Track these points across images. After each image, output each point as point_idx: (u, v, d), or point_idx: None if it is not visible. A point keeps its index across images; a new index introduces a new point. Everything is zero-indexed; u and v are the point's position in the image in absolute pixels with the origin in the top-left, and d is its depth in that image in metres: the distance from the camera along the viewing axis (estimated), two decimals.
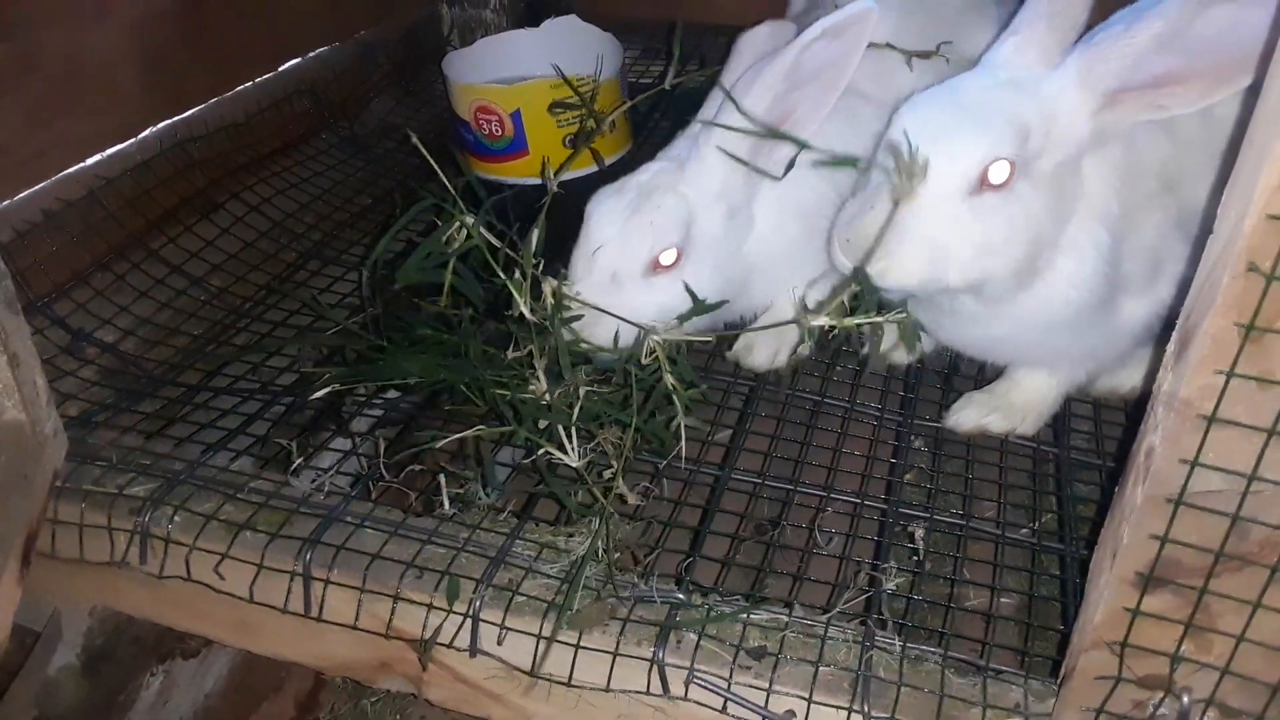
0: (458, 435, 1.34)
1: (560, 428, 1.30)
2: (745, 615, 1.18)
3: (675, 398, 1.32)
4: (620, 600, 1.20)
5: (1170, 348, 0.86)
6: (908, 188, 1.19)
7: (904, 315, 1.29)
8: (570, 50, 2.11)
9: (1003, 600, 1.25)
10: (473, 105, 2.10)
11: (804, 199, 1.48)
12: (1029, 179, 1.21)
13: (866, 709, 1.10)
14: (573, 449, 1.30)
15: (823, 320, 1.26)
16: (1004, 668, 1.14)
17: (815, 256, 1.43)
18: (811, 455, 1.43)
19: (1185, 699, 0.97)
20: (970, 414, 1.50)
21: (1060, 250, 1.26)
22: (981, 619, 1.23)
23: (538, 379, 1.35)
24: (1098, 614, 0.96)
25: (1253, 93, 0.96)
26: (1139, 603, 0.93)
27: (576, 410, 1.31)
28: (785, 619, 1.18)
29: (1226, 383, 0.80)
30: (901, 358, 1.61)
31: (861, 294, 1.25)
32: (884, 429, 1.50)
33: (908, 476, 1.42)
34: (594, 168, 1.71)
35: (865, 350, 1.62)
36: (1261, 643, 0.91)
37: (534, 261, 1.38)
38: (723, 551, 1.30)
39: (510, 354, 1.39)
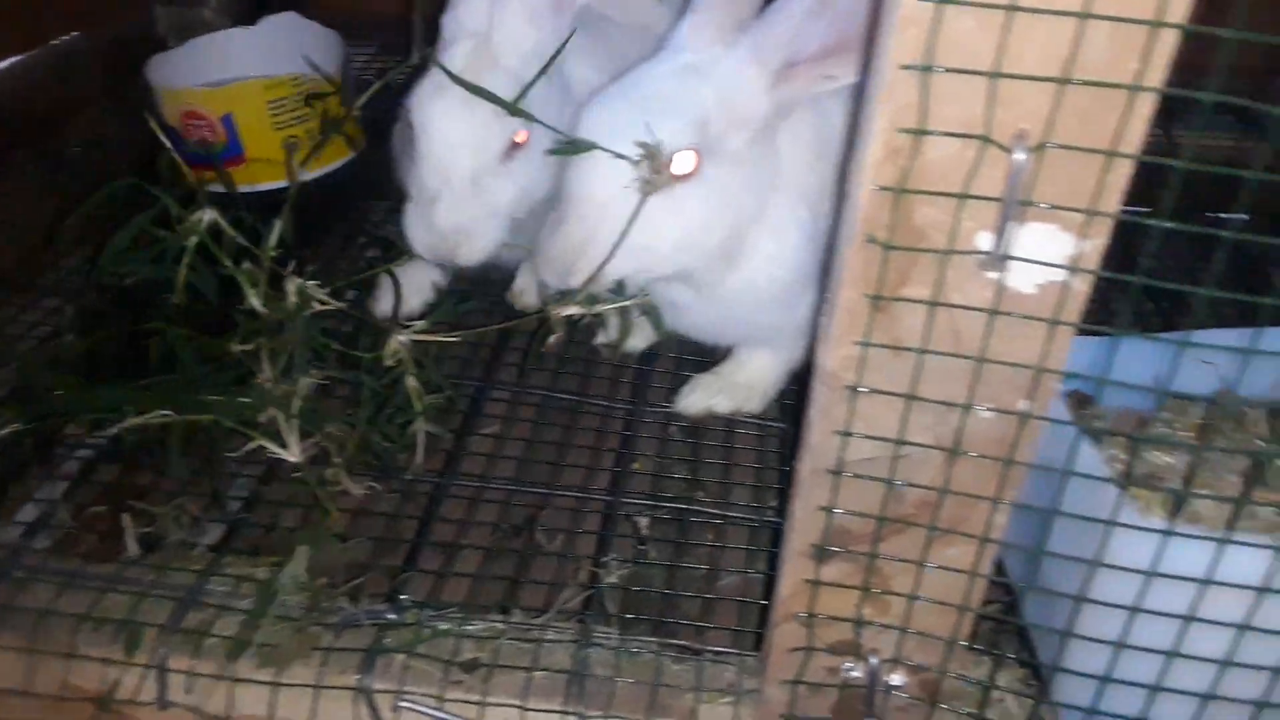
0: (136, 421, 1.22)
1: (282, 421, 1.22)
2: (458, 628, 1.14)
3: (414, 402, 1.26)
4: (325, 628, 1.13)
5: (821, 321, 0.87)
6: (656, 181, 1.17)
7: (647, 297, 1.27)
8: (288, 49, 2.00)
9: (723, 582, 1.26)
10: (180, 111, 1.96)
11: None
12: (718, 162, 1.22)
13: (582, 709, 1.08)
14: (295, 444, 1.23)
15: (572, 310, 1.23)
16: (721, 649, 1.15)
17: None
18: (538, 453, 1.40)
19: (873, 660, 1.00)
20: (697, 397, 1.51)
21: (762, 229, 1.28)
22: (702, 603, 1.23)
23: (263, 370, 1.25)
24: (784, 588, 0.97)
25: None
26: (817, 573, 0.95)
27: (297, 403, 1.23)
28: (501, 627, 1.15)
29: (864, 352, 0.81)
30: (635, 345, 1.61)
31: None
32: (613, 419, 1.48)
33: (635, 465, 1.41)
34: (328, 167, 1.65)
35: (598, 340, 1.61)
36: (932, 599, 0.95)
37: (272, 254, 1.28)
38: (442, 563, 1.25)
39: (237, 346, 1.27)
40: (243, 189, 1.92)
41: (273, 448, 1.23)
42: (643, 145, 1.15)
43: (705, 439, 1.47)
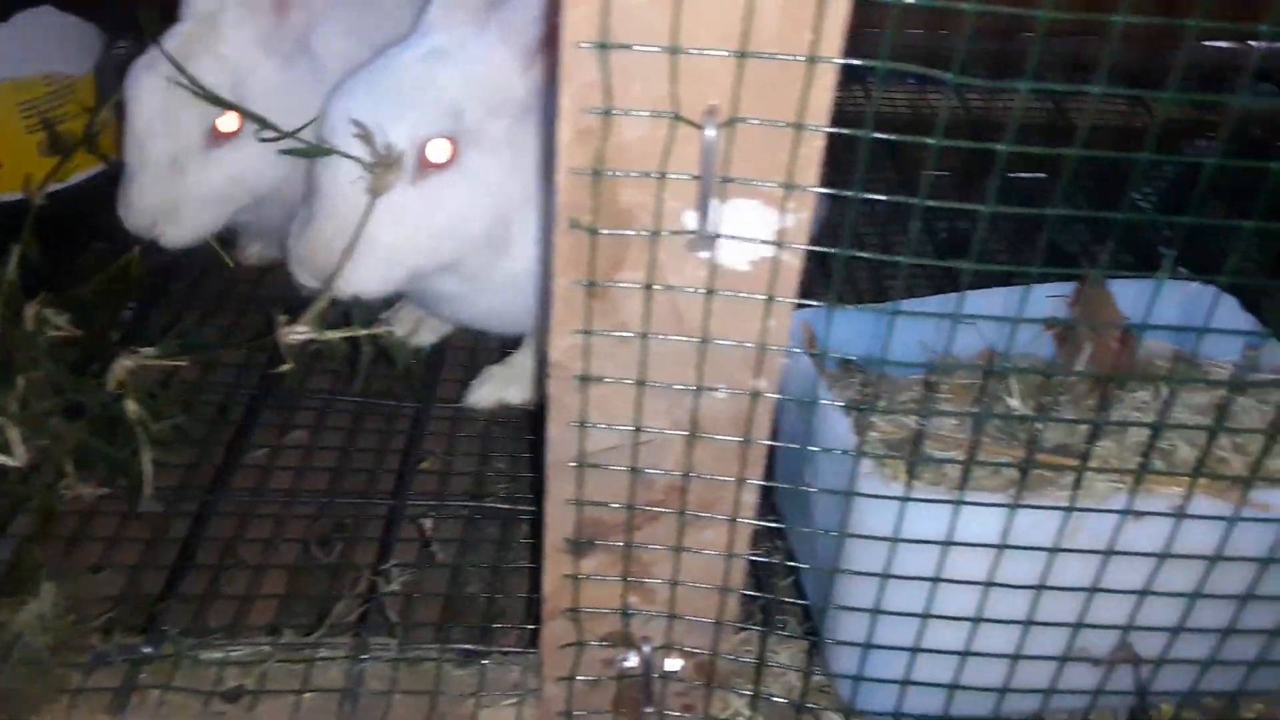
0: None
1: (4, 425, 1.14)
2: (222, 655, 1.07)
3: (138, 431, 1.18)
4: (74, 668, 1.05)
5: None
6: (385, 181, 1.12)
7: (388, 330, 1.22)
8: (41, 46, 1.86)
9: (512, 580, 1.23)
10: None
11: None
12: (478, 150, 1.18)
13: None
14: (18, 445, 1.14)
15: (302, 334, 1.16)
16: (506, 649, 1.12)
17: None
18: (319, 459, 1.34)
19: (646, 649, 0.98)
20: (488, 390, 1.47)
21: (529, 214, 1.25)
22: (489, 602, 1.20)
23: None
24: (547, 584, 0.95)
25: None
26: (577, 567, 0.93)
27: (14, 403, 1.15)
28: (268, 649, 1.09)
29: (587, 340, 0.79)
30: (422, 341, 1.56)
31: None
32: (400, 418, 1.43)
33: (423, 465, 1.37)
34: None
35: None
36: (693, 583, 0.93)
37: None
38: (207, 587, 1.18)
39: None
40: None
41: None
42: (367, 140, 1.10)
43: (493, 433, 1.43)
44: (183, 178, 1.29)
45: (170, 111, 1.27)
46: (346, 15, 1.42)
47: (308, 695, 1.04)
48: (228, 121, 1.29)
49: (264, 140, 1.22)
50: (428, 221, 1.16)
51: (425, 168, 1.14)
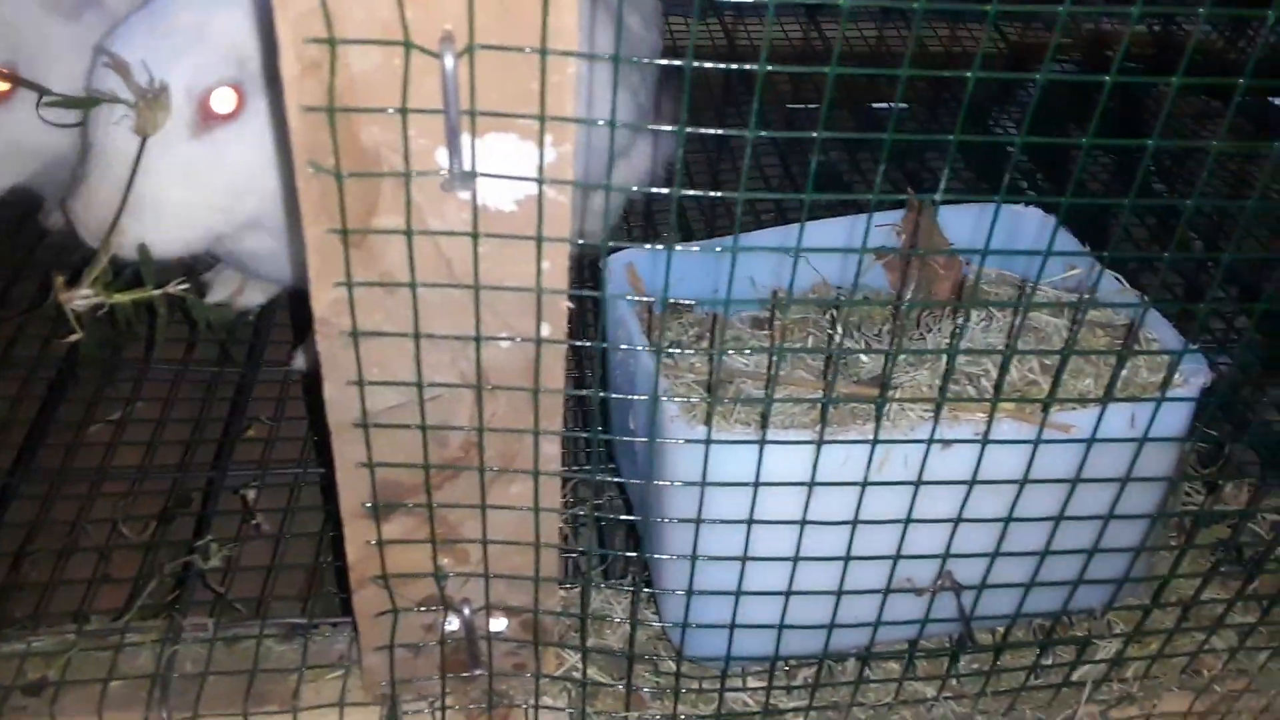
0: None
1: None
2: (23, 647, 1.00)
3: None
4: None
5: None
6: (152, 119, 1.03)
7: (186, 286, 1.13)
8: None
9: (337, 548, 1.17)
10: None
11: None
12: (267, 97, 1.10)
13: (166, 714, 0.98)
14: None
15: (87, 299, 1.07)
16: (334, 619, 1.07)
17: None
18: (129, 433, 1.26)
19: (466, 611, 0.94)
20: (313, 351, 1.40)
21: None
22: (309, 572, 1.15)
23: None
24: (351, 552, 0.90)
25: None
26: (379, 532, 0.88)
27: None
28: (73, 638, 1.02)
29: (350, 293, 0.73)
30: (248, 302, 1.48)
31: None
32: (223, 385, 1.36)
33: (248, 432, 1.30)
34: None
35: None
36: (505, 540, 0.89)
37: None
38: (4, 577, 1.11)
39: None
40: None
41: None
42: (127, 76, 1.01)
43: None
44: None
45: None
46: None
47: (115, 684, 0.98)
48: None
49: (49, 103, 1.12)
50: (218, 177, 1.07)
51: (209, 119, 1.06)
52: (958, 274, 1.11)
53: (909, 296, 1.12)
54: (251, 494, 1.20)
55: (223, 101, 1.06)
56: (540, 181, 0.69)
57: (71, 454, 1.23)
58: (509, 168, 0.69)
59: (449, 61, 0.63)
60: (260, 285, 1.46)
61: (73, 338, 1.04)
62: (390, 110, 0.65)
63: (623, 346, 0.94)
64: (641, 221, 1.72)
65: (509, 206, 0.71)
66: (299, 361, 1.39)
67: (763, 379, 0.99)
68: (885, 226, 1.16)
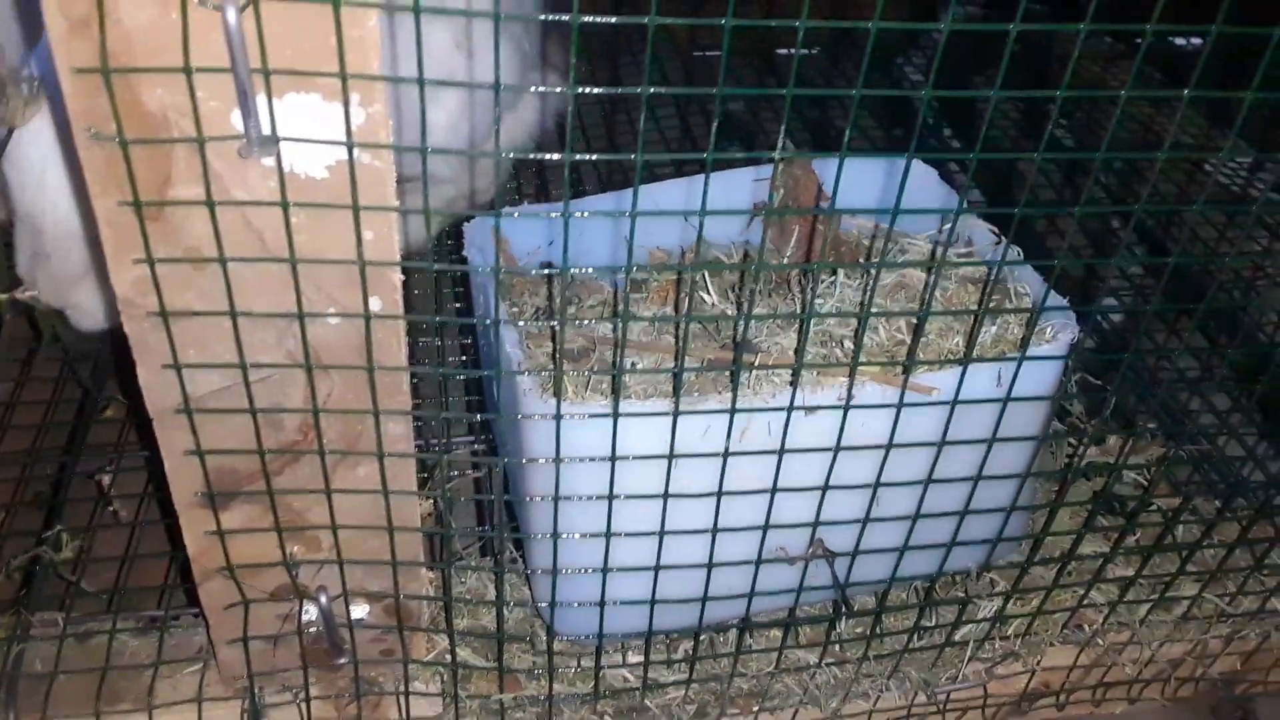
0: None
1: None
2: None
3: None
4: None
5: None
6: (21, 110, 0.94)
7: (33, 295, 1.04)
8: None
9: None
10: None
11: None
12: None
13: (13, 717, 0.92)
14: None
15: None
16: (194, 609, 1.02)
17: None
18: None
19: (323, 599, 0.90)
20: None
21: None
22: (168, 561, 1.09)
23: None
24: (190, 544, 0.85)
25: None
26: (219, 522, 0.83)
27: None
28: None
29: (153, 270, 0.68)
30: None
31: None
32: (80, 363, 1.28)
33: (106, 412, 1.23)
34: None
35: None
36: (358, 525, 0.85)
37: None
38: None
39: None
40: None
41: None
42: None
43: None
44: None
45: None
46: None
47: None
48: None
49: None
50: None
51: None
52: (836, 230, 1.07)
53: (788, 253, 1.09)
54: (106, 479, 1.14)
55: None
56: (350, 146, 0.63)
57: None
58: (315, 131, 0.63)
59: (231, 15, 0.57)
60: None
61: None
62: (173, 71, 0.59)
63: (463, 320, 0.89)
64: (535, 178, 1.67)
65: (320, 173, 0.66)
66: None
67: (633, 347, 0.95)
68: (764, 181, 1.12)
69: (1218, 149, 1.73)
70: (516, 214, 1.08)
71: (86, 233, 0.94)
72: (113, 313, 0.96)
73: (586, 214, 0.78)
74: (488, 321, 0.91)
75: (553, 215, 0.66)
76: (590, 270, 1.07)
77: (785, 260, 1.07)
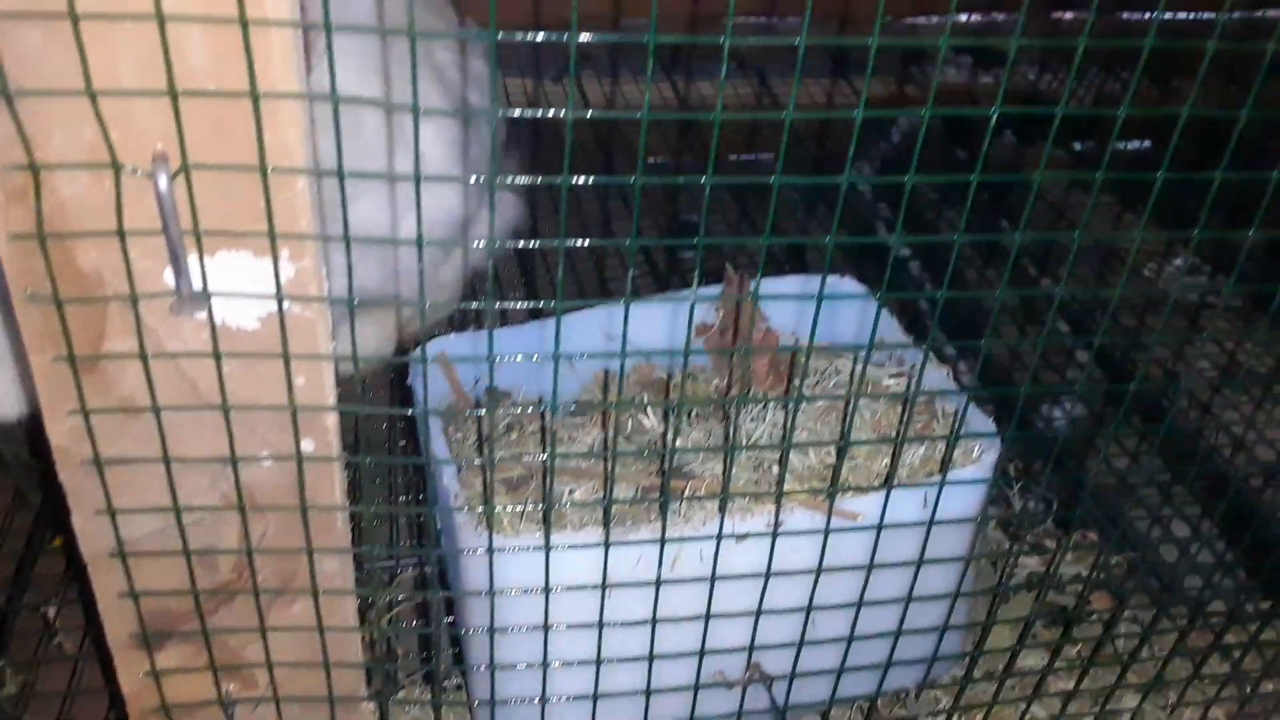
0: None
1: None
2: None
3: None
4: None
5: None
6: None
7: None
8: None
9: None
10: None
11: None
12: None
13: None
14: None
15: None
16: None
17: None
18: None
19: None
20: None
21: None
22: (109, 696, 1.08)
23: None
24: (124, 684, 0.84)
25: None
26: (154, 662, 0.83)
27: None
28: None
29: (87, 420, 0.69)
30: None
31: None
32: (31, 491, 1.28)
33: (53, 543, 1.22)
34: None
35: None
36: (294, 662, 0.85)
37: None
38: None
39: None
40: None
41: None
42: None
43: None
44: None
45: None
46: None
47: None
48: None
49: None
50: None
51: None
52: (774, 349, 1.11)
53: (731, 379, 1.11)
54: (52, 611, 1.13)
55: None
56: (279, 299, 0.66)
57: None
58: (246, 285, 0.66)
59: (163, 183, 0.60)
60: None
61: None
62: (106, 234, 0.61)
63: (396, 460, 0.91)
64: (498, 290, 1.69)
65: (252, 324, 0.68)
66: None
67: (570, 475, 0.97)
68: (708, 303, 1.15)
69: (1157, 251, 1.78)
70: (441, 350, 1.09)
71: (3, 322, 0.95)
72: (30, 400, 0.98)
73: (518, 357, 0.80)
74: (421, 461, 0.93)
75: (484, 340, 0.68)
76: (525, 406, 1.09)
77: (724, 382, 1.10)
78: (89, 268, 0.64)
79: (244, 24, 0.55)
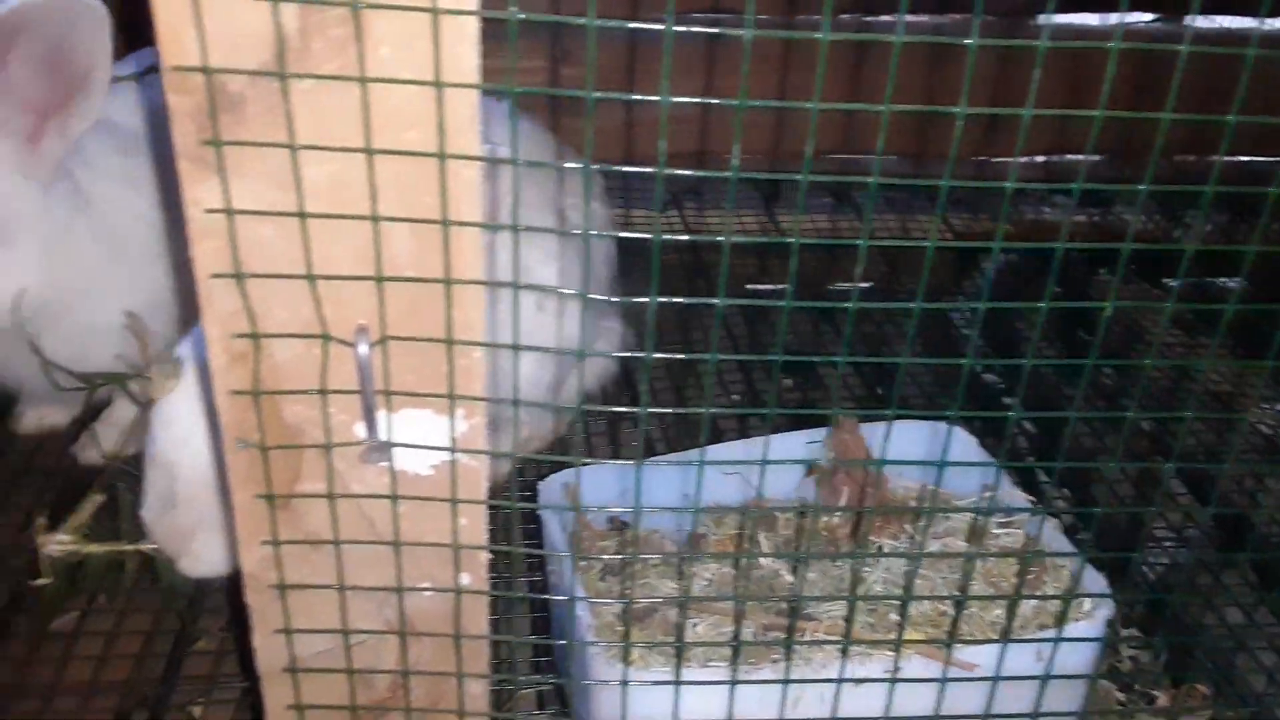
0: None
1: None
2: None
3: None
4: None
5: None
6: (161, 387, 1.11)
7: (154, 548, 1.17)
8: None
9: None
10: None
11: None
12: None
13: None
14: None
15: (63, 545, 1.13)
16: None
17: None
18: (81, 647, 1.28)
19: None
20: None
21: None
22: None
23: None
24: None
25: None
26: None
27: None
28: None
29: (277, 550, 0.78)
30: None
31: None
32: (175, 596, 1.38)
33: (199, 645, 1.31)
34: None
35: None
36: None
37: None
38: None
39: None
40: None
41: None
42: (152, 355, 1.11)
43: None
44: None
45: None
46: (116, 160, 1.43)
47: None
48: None
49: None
50: None
51: None
52: (884, 492, 1.15)
53: (837, 515, 1.16)
54: (198, 710, 1.21)
55: None
56: (453, 451, 0.74)
57: (25, 669, 1.24)
58: (424, 438, 0.74)
59: (363, 350, 0.69)
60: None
61: (40, 582, 1.08)
62: (312, 392, 0.71)
63: (529, 596, 0.97)
64: (606, 426, 1.76)
65: (425, 471, 0.76)
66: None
67: (693, 609, 1.02)
68: (816, 444, 1.21)
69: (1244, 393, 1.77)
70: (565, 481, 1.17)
71: (218, 485, 1.06)
72: (229, 560, 1.07)
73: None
74: (560, 598, 0.99)
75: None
76: (655, 530, 1.16)
77: (835, 520, 1.15)
78: (292, 419, 0.73)
79: (445, 224, 0.65)
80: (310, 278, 0.66)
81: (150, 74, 1.50)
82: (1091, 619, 0.94)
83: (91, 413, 1.56)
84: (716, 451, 1.21)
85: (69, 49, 1.20)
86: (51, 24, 1.18)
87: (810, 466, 1.21)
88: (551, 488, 1.14)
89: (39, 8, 1.15)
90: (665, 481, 1.20)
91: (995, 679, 0.84)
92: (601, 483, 1.20)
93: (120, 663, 1.27)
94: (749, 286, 2.13)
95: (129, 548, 1.08)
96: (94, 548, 1.10)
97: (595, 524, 1.18)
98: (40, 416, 1.59)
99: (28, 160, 1.29)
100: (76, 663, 1.26)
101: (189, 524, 1.07)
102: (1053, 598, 0.97)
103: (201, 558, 1.08)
